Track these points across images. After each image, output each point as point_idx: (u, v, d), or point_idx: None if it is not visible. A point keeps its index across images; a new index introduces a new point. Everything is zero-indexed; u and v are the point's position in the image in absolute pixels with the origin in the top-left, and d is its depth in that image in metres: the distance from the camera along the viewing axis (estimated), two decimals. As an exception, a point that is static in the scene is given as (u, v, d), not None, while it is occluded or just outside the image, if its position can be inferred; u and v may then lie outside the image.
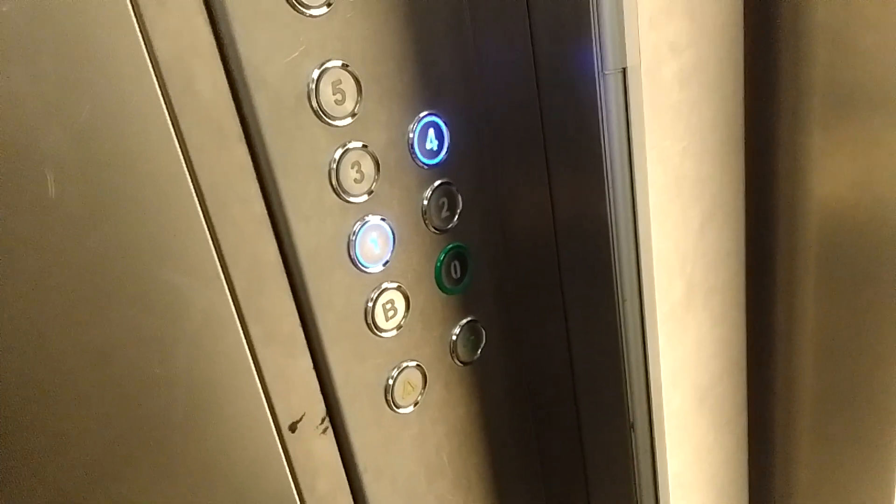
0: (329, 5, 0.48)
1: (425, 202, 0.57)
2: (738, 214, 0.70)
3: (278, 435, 0.53)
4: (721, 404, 0.76)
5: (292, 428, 0.54)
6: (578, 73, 0.61)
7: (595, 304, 0.69)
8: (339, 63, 0.50)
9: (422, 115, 0.55)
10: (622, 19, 0.52)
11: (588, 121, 0.62)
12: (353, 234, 0.53)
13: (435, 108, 0.56)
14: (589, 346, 0.71)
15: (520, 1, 0.57)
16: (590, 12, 0.56)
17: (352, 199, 0.53)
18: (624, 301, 0.62)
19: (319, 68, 0.49)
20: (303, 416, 0.54)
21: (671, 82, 0.57)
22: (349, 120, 0.51)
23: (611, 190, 0.59)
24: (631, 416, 0.66)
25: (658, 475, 0.69)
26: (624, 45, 0.53)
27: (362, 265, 0.54)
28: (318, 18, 0.48)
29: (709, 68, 0.61)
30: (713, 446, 0.77)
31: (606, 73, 0.54)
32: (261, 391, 0.51)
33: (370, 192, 0.53)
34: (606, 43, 0.53)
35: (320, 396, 0.55)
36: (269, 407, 0.52)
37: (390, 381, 0.58)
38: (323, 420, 0.56)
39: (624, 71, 0.54)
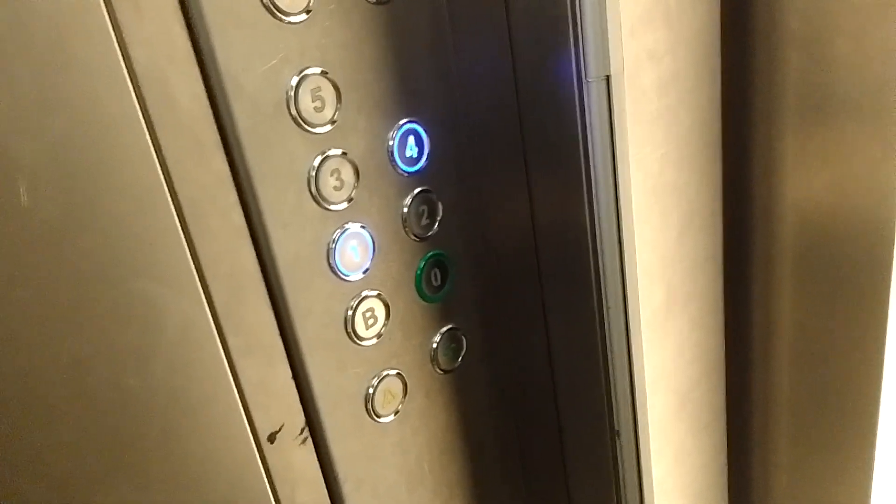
0: (308, 13, 0.48)
1: (405, 210, 0.57)
2: (716, 220, 0.71)
3: (257, 446, 0.52)
4: (700, 409, 0.77)
5: (271, 438, 0.53)
6: (558, 81, 0.61)
7: (576, 311, 0.69)
8: (319, 70, 0.49)
9: (402, 122, 0.55)
10: (605, 27, 0.52)
11: (568, 128, 0.62)
12: (333, 241, 0.53)
13: (415, 115, 0.56)
14: (571, 353, 0.71)
15: (499, 8, 0.57)
16: (570, 20, 0.57)
17: (331, 207, 0.52)
18: (608, 308, 0.62)
19: (298, 75, 0.48)
20: (282, 426, 0.54)
21: (650, 90, 0.58)
22: (328, 127, 0.51)
23: (594, 197, 0.59)
24: (616, 424, 0.67)
25: (643, 482, 0.70)
26: (608, 52, 0.53)
27: (342, 273, 0.53)
28: (296, 26, 0.47)
29: (687, 76, 0.61)
30: (692, 451, 0.77)
31: (589, 80, 0.54)
32: (239, 402, 0.50)
33: (350, 200, 0.53)
34: (589, 51, 0.53)
35: (300, 406, 0.55)
36: (247, 418, 0.51)
37: (370, 390, 0.58)
38: (302, 430, 0.55)
39: (607, 78, 0.54)
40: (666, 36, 0.58)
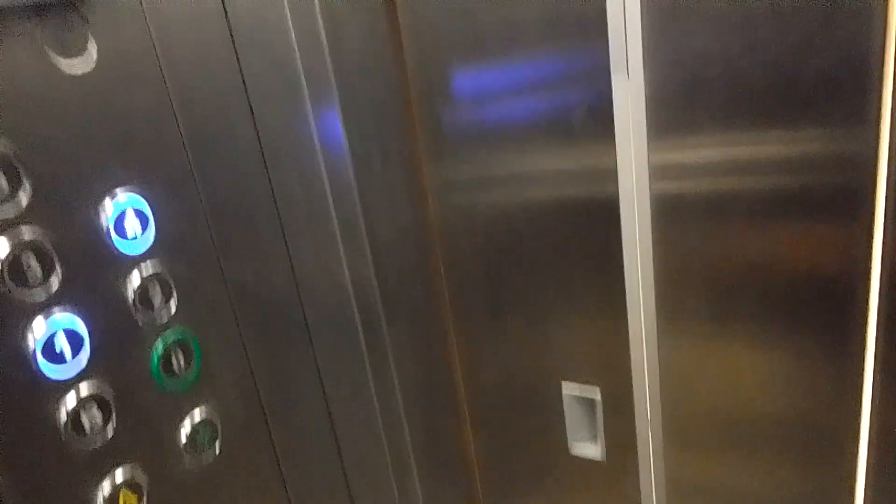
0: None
1: (130, 292, 0.51)
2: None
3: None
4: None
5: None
6: (300, 145, 0.59)
7: (349, 364, 0.67)
8: (2, 149, 0.43)
9: (117, 196, 0.50)
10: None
11: (314, 188, 0.60)
12: (37, 336, 0.46)
13: (135, 189, 0.51)
14: (351, 416, 0.68)
15: (235, 75, 0.54)
16: (303, 86, 0.56)
17: (31, 298, 0.46)
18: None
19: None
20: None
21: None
22: (21, 207, 0.45)
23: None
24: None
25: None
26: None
27: (50, 371, 0.47)
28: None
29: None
30: None
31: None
32: None
33: (55, 287, 0.47)
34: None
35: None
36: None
37: (102, 499, 0.51)
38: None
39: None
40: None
